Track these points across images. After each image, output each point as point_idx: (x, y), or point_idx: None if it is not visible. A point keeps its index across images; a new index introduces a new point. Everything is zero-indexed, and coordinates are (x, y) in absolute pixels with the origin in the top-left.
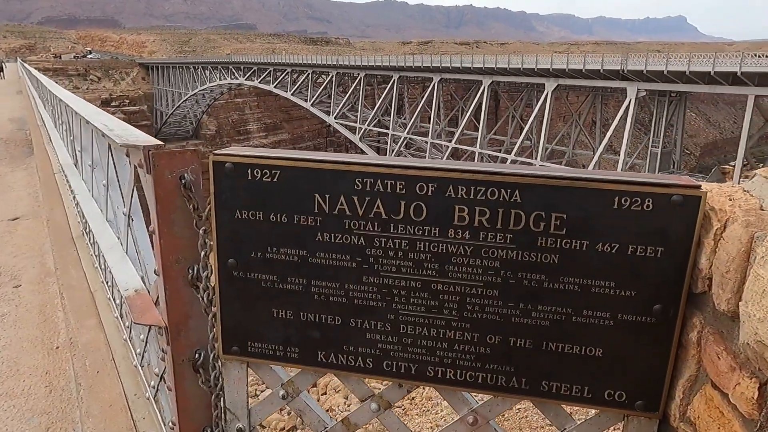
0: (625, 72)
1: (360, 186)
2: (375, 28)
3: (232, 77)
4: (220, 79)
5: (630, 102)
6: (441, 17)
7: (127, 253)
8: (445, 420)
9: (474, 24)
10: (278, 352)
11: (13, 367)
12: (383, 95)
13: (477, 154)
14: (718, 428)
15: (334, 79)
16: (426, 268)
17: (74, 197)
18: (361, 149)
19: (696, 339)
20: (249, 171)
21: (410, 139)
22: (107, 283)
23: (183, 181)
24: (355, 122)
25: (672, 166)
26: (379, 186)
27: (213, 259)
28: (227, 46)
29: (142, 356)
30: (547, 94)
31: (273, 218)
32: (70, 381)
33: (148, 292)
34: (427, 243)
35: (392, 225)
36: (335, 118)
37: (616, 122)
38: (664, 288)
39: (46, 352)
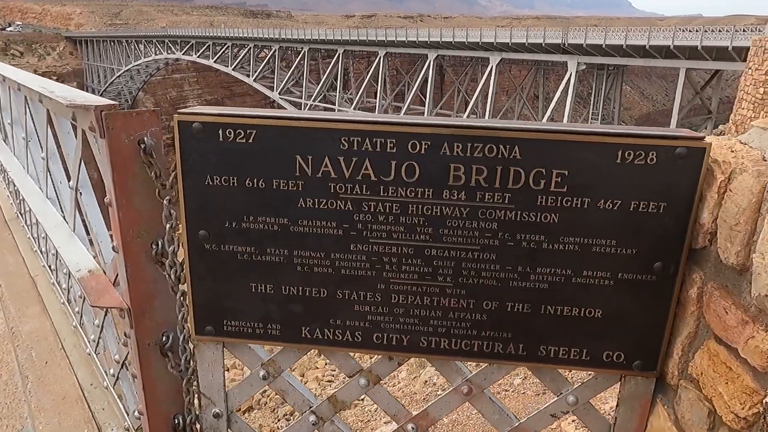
0: (566, 46)
1: (346, 145)
2: (317, 0)
3: (169, 52)
4: (156, 54)
5: (571, 75)
6: None
7: (74, 231)
8: (402, 391)
9: None
10: (257, 329)
11: None
12: (328, 70)
13: None
14: (726, 383)
15: (277, 53)
16: (419, 232)
17: (6, 176)
18: None
19: (696, 295)
20: (220, 131)
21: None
22: (50, 267)
23: (142, 146)
24: (300, 98)
25: None
26: (367, 145)
27: (181, 232)
28: (162, 18)
29: (97, 343)
30: (492, 68)
31: (249, 184)
32: (14, 374)
33: (104, 273)
34: (420, 206)
35: (382, 187)
36: (279, 93)
37: (558, 95)
38: (665, 245)
39: None
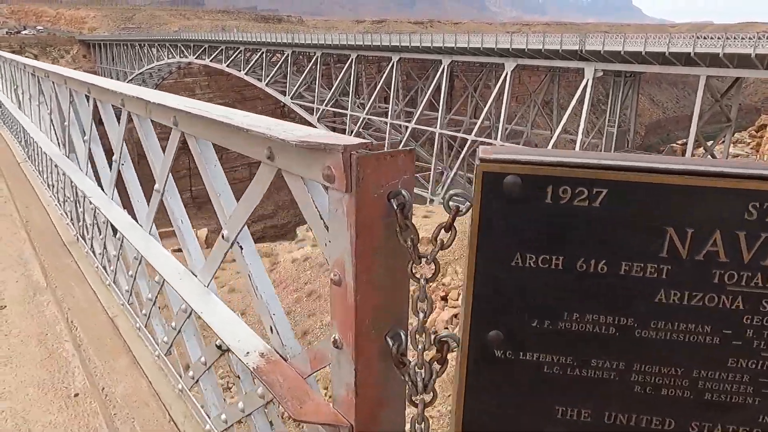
0: (584, 52)
1: (755, 214)
2: (328, 5)
3: (182, 55)
4: (169, 58)
5: (588, 82)
6: None
7: (208, 286)
8: None
9: (428, 3)
10: None
11: (21, 426)
12: (341, 75)
13: (438, 134)
14: None
15: (289, 58)
16: None
17: (62, 194)
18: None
19: None
20: (550, 189)
21: (368, 119)
22: (131, 305)
23: (395, 202)
24: (313, 102)
25: (627, 145)
26: None
27: (457, 330)
28: (174, 22)
29: (229, 425)
30: (507, 74)
31: (582, 266)
32: None
33: (283, 359)
34: None
35: None
36: (291, 98)
37: (574, 102)
38: None
39: (62, 403)
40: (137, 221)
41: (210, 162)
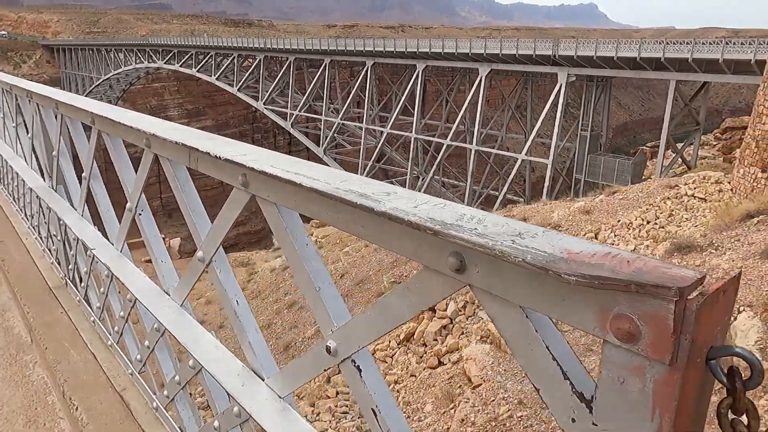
0: (557, 57)
1: None
2: (298, 10)
3: (150, 60)
4: (137, 63)
5: (561, 87)
6: (365, 0)
7: (284, 399)
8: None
9: (398, 8)
10: None
11: None
12: (314, 80)
13: (413, 139)
14: None
15: (262, 62)
16: None
17: (46, 233)
18: (293, 136)
19: None
20: None
21: (343, 124)
22: (144, 376)
23: (723, 366)
24: (286, 108)
25: (599, 149)
26: None
27: None
28: (141, 27)
29: None
30: (482, 78)
31: None
32: None
33: None
34: None
35: None
36: (264, 103)
37: (548, 106)
38: None
39: None
40: (160, 286)
41: (300, 240)
